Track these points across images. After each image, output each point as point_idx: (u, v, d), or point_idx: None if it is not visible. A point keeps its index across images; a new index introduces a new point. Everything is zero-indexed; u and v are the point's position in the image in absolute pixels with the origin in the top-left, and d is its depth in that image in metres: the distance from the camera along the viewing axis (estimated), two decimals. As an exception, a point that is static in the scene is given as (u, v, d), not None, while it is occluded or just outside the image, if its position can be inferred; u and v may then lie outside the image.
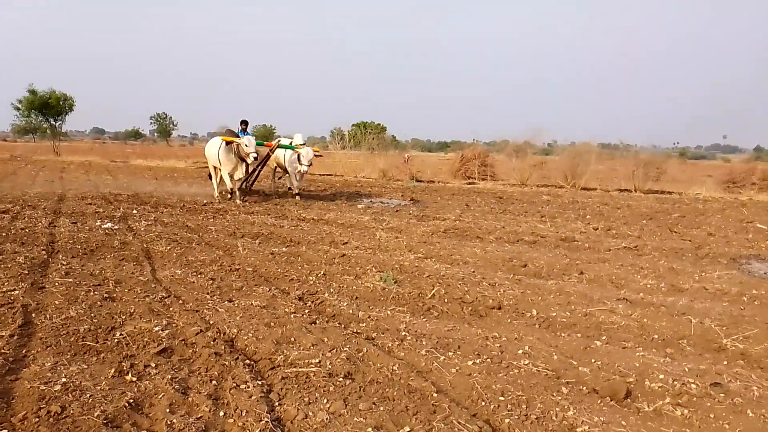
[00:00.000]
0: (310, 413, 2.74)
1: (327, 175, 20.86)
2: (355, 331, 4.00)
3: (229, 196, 10.94)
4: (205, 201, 11.14)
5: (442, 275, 5.55)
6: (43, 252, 5.81)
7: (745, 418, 2.88)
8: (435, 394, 2.98)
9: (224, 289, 4.87)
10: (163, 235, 7.11)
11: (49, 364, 3.12)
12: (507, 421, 2.78)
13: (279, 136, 15.52)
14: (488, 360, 3.50)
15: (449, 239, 7.86)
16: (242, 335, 3.70)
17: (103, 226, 7.53)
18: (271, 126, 58.01)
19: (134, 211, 9.08)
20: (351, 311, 4.41)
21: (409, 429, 2.67)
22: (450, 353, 3.59)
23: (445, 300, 4.81)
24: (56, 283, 4.68)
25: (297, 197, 12.05)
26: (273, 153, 12.29)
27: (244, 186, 12.01)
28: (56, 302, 4.18)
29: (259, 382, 3.05)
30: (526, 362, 3.48)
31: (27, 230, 6.95)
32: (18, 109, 32.57)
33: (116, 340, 3.54)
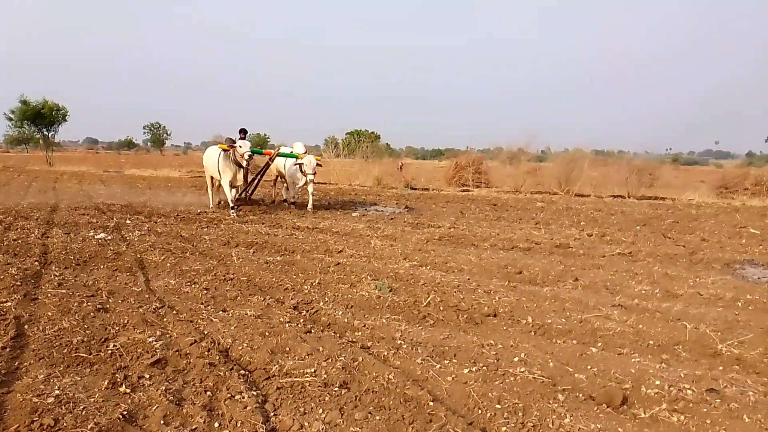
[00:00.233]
0: (306, 424, 2.72)
1: (321, 183, 20.86)
2: (350, 340, 3.98)
3: (231, 207, 10.76)
4: (199, 210, 11.10)
5: (438, 283, 5.55)
6: (36, 263, 5.77)
7: (741, 424, 2.88)
8: (431, 403, 2.97)
9: (218, 299, 4.85)
10: (157, 244, 7.08)
11: (41, 376, 3.09)
12: (504, 429, 2.78)
13: (274, 145, 15.45)
14: (484, 368, 3.49)
15: (444, 247, 7.87)
16: (237, 345, 3.68)
17: (96, 237, 7.48)
18: (265, 135, 58.04)
19: (128, 221, 9.04)
20: (346, 320, 4.40)
21: (405, 438, 2.65)
22: (446, 361, 3.58)
23: (441, 308, 4.81)
24: (49, 294, 4.64)
25: (310, 208, 11.67)
26: (272, 162, 12.12)
27: (243, 195, 11.94)
28: (49, 313, 4.15)
29: (254, 393, 3.03)
30: (522, 369, 3.47)
31: (19, 241, 6.91)
32: (11, 119, 32.47)
33: (110, 352, 3.51)
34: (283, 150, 12.11)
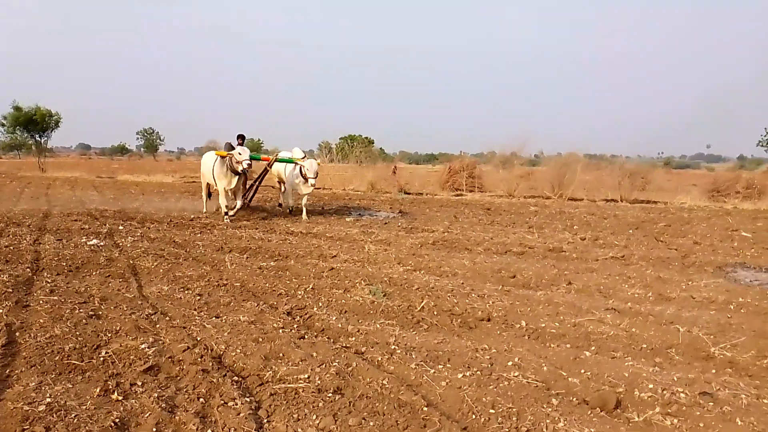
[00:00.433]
0: (300, 430, 2.72)
1: (315, 188, 20.79)
2: (344, 345, 3.97)
3: (228, 212, 10.67)
4: (192, 216, 11.06)
5: (432, 287, 5.55)
6: (28, 270, 5.73)
7: (734, 427, 2.89)
8: (425, 408, 2.97)
9: (212, 305, 4.83)
10: (150, 250, 7.05)
11: (33, 384, 3.06)
12: (498, 433, 2.77)
13: (267, 150, 15.40)
14: (478, 372, 3.49)
15: (438, 251, 7.87)
16: (230, 351, 3.66)
17: (88, 243, 7.44)
18: (259, 140, 57.92)
19: (120, 227, 9.00)
20: (340, 325, 4.39)
21: (399, 444, 2.65)
22: (440, 366, 3.58)
23: (435, 312, 4.81)
24: (41, 301, 4.61)
25: (304, 216, 11.50)
26: (271, 167, 11.99)
27: (244, 203, 11.82)
28: (41, 321, 4.11)
29: (248, 399, 3.01)
30: (516, 374, 3.47)
31: (11, 248, 6.86)
32: (2, 125, 32.32)
33: (102, 359, 3.48)
34: (281, 155, 11.95)
